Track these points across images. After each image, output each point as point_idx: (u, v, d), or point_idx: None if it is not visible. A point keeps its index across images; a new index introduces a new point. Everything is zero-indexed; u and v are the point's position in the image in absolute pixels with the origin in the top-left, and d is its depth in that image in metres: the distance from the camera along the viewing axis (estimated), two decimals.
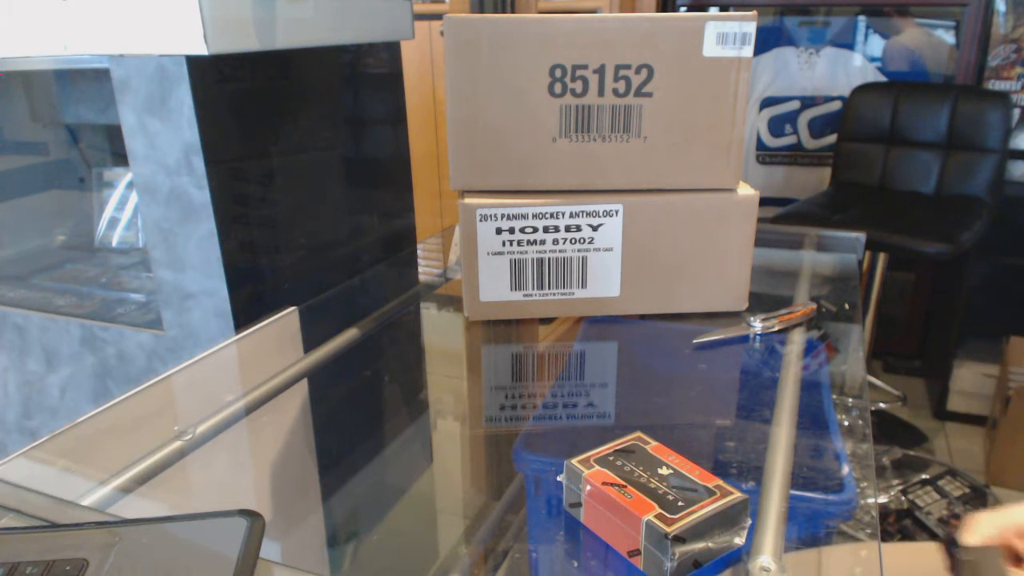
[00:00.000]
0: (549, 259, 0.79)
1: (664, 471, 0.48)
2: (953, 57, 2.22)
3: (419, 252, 1.25)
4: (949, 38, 2.24)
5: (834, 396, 0.66)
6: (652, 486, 0.47)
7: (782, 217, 2.02)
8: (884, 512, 1.54)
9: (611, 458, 0.50)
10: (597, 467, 0.49)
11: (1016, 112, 2.11)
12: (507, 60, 0.73)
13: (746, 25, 0.72)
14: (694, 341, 0.78)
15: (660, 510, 0.44)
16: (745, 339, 0.80)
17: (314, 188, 1.11)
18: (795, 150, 2.46)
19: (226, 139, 0.95)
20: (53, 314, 1.17)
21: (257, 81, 0.98)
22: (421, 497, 0.73)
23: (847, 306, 0.68)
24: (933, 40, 2.26)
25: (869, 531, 0.55)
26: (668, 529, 0.42)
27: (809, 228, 1.12)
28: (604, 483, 0.47)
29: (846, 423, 0.63)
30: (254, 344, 0.84)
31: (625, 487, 0.47)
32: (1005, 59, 2.13)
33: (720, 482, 0.47)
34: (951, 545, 0.49)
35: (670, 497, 0.45)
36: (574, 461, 0.50)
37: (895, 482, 1.59)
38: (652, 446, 0.52)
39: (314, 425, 0.75)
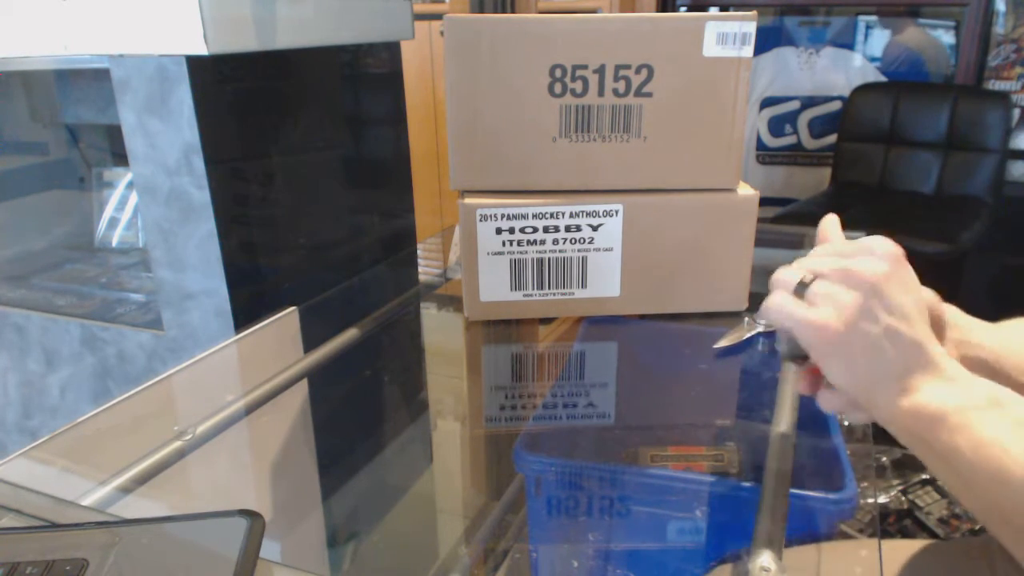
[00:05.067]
0: (549, 259, 0.79)
1: None
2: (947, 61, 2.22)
3: (419, 252, 1.25)
4: (949, 38, 2.24)
5: None
6: None
7: (782, 217, 2.02)
8: (884, 512, 1.54)
9: None
10: None
11: (1016, 112, 2.11)
12: (507, 60, 0.73)
13: (746, 25, 0.72)
14: (714, 346, 0.79)
15: None
16: (757, 339, 0.80)
17: (314, 188, 1.11)
18: (795, 150, 2.46)
19: (226, 139, 0.95)
20: (53, 314, 1.17)
21: (257, 81, 0.98)
22: (421, 497, 0.73)
23: None
24: (933, 40, 2.26)
25: (869, 531, 0.55)
26: None
27: (809, 228, 1.11)
28: None
29: (846, 423, 0.63)
30: (254, 344, 0.84)
31: None
32: (1005, 59, 2.13)
33: None
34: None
35: None
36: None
37: (895, 482, 1.59)
38: None
39: (314, 425, 0.75)
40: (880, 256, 0.45)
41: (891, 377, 0.43)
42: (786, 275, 0.46)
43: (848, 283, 0.44)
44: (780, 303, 0.45)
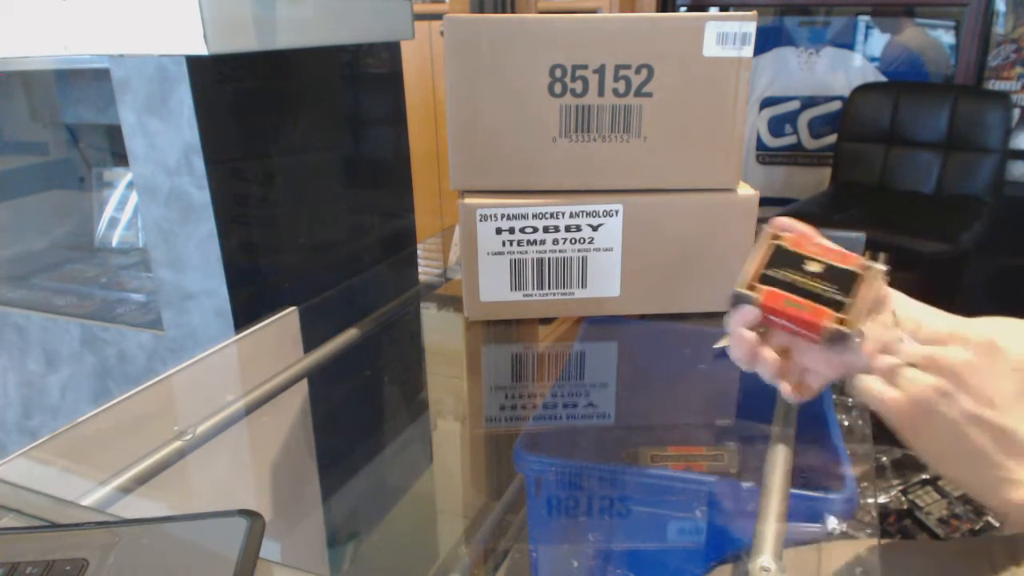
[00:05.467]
0: (549, 259, 0.79)
1: (813, 267, 0.50)
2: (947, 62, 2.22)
3: (419, 252, 1.25)
4: (949, 38, 2.24)
5: (834, 396, 0.66)
6: (816, 291, 0.49)
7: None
8: (884, 512, 1.54)
9: (769, 273, 0.50)
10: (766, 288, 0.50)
11: (1016, 112, 2.11)
12: (507, 60, 0.73)
13: (746, 25, 0.72)
14: (714, 346, 0.78)
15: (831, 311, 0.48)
16: None
17: (314, 188, 1.11)
18: (795, 150, 2.46)
19: (226, 139, 0.95)
20: (53, 314, 1.17)
21: (257, 81, 0.98)
22: (421, 497, 0.73)
23: None
24: (933, 40, 2.27)
25: (869, 531, 0.55)
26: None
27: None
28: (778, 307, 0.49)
29: (846, 423, 0.63)
30: (254, 344, 0.84)
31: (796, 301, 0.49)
32: (1005, 59, 2.13)
33: (859, 259, 0.50)
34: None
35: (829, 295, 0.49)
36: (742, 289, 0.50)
37: (895, 482, 1.59)
38: (788, 239, 0.52)
39: (314, 425, 0.75)
40: (971, 344, 0.45)
41: (989, 466, 0.43)
42: (882, 362, 0.47)
43: (930, 368, 0.45)
44: (865, 382, 0.47)
